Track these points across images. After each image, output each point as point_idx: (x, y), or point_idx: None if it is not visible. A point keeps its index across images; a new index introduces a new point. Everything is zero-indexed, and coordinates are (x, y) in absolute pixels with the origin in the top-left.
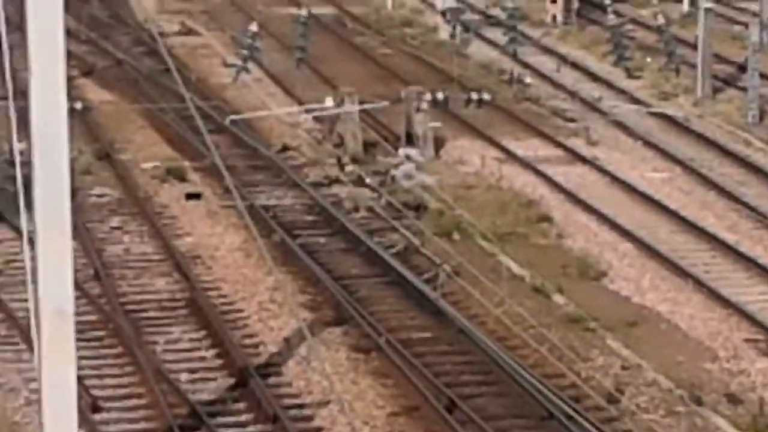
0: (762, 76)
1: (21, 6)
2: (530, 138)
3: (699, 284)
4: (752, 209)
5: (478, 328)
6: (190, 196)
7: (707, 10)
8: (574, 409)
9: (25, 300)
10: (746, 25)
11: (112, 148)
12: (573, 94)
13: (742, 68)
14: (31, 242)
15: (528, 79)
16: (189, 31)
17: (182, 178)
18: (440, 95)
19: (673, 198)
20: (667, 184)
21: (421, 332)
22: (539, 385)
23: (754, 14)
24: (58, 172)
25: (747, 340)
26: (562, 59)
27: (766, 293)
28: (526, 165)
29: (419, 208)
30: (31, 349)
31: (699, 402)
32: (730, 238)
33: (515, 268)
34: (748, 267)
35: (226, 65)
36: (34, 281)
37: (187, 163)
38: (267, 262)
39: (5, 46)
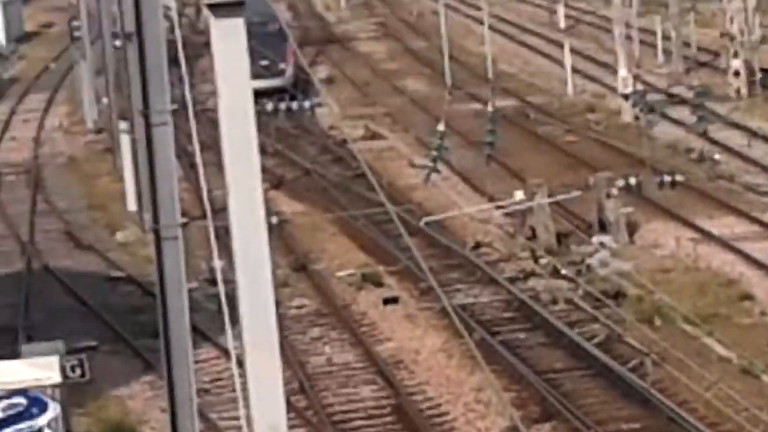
0: None
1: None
2: (724, 216)
3: None
4: None
5: (690, 414)
6: (388, 301)
7: None
8: None
9: (234, 418)
10: None
11: (307, 259)
12: (766, 169)
13: None
14: (239, 361)
15: (718, 156)
16: (373, 135)
17: (378, 283)
18: (632, 180)
19: None
20: None
21: (631, 423)
22: None
23: None
24: (262, 289)
25: None
26: (752, 133)
27: None
28: (723, 243)
29: (618, 295)
30: None
31: None
32: None
33: (721, 350)
34: None
35: (414, 166)
36: (245, 400)
37: (381, 268)
38: (470, 361)
39: (201, 168)
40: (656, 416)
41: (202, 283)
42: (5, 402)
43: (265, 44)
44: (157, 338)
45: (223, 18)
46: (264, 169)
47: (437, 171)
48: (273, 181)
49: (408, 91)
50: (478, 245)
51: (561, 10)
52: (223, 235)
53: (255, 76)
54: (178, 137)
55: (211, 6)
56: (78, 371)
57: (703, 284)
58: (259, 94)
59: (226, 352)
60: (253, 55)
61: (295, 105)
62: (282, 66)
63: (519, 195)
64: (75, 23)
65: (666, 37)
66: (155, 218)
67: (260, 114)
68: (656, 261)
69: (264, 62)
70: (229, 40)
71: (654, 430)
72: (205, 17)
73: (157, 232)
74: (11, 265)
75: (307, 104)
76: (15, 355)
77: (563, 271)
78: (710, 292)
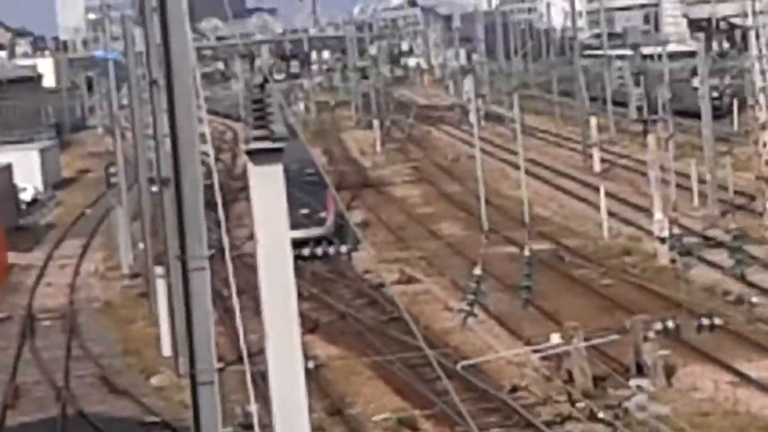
0: None
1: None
2: (763, 359)
3: None
4: None
5: None
6: None
7: None
8: None
9: None
10: None
11: (342, 403)
12: None
13: None
14: None
15: (756, 299)
16: (408, 279)
17: (414, 428)
18: (670, 323)
19: None
20: None
21: None
22: None
23: None
24: None
25: None
26: None
27: None
28: (762, 387)
29: None
30: None
31: None
32: None
33: None
34: None
35: (450, 310)
36: None
37: (417, 412)
38: None
39: (238, 312)
40: None
41: (237, 428)
42: None
43: (304, 192)
44: None
45: (261, 164)
46: (299, 313)
47: (474, 315)
48: (309, 325)
49: (443, 234)
50: (514, 389)
51: (596, 154)
52: (258, 379)
53: (295, 225)
54: (214, 282)
55: (250, 153)
56: None
57: (743, 428)
58: (298, 243)
59: None
60: (293, 203)
61: (331, 250)
62: (322, 215)
63: (555, 338)
64: (112, 169)
65: (701, 181)
66: (191, 363)
67: (296, 258)
68: (694, 405)
69: (304, 211)
70: (267, 186)
71: None
72: (243, 163)
73: (193, 377)
74: (46, 410)
75: (343, 249)
76: None
77: (600, 415)
78: None
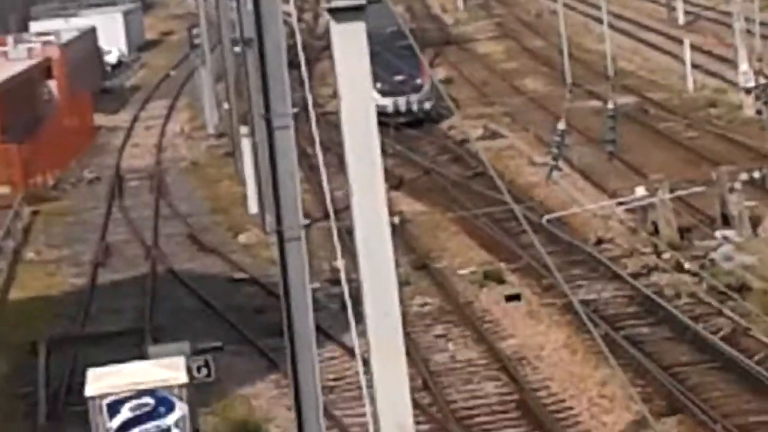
0: None
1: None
2: None
3: None
4: None
5: None
6: (510, 298)
7: None
8: None
9: (360, 415)
10: None
11: (428, 258)
12: None
13: None
14: (363, 360)
15: None
16: (492, 134)
17: (500, 281)
18: (756, 174)
19: None
20: None
21: (759, 416)
22: None
23: None
24: (386, 288)
25: None
26: None
27: None
28: None
29: (742, 288)
30: None
31: None
32: None
33: None
34: None
35: (535, 164)
36: (371, 398)
37: (503, 265)
38: (594, 357)
39: (323, 168)
40: None
41: (324, 283)
42: (134, 402)
43: (398, 59)
44: (281, 338)
45: (344, 22)
46: (384, 170)
47: (558, 169)
48: (393, 182)
49: (526, 90)
50: (600, 241)
51: (680, 6)
52: (345, 235)
53: (392, 92)
54: (298, 140)
55: (331, 11)
56: (204, 371)
57: None
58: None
59: (350, 351)
60: (388, 69)
61: (415, 106)
62: (418, 81)
63: (641, 191)
64: (195, 31)
65: None
66: (278, 220)
67: (380, 114)
68: None
69: (399, 77)
70: (349, 44)
71: None
72: (325, 21)
73: (280, 234)
74: (136, 268)
75: (427, 105)
76: (142, 356)
77: (687, 266)
78: None
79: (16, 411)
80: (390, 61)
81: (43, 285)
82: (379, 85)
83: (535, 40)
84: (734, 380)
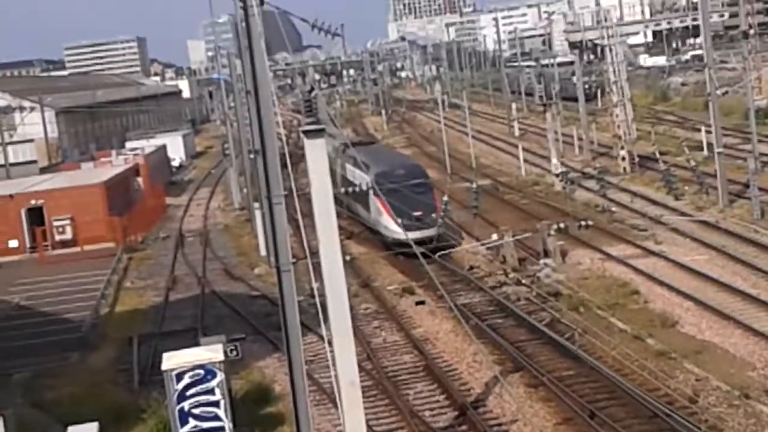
0: (760, 189)
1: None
2: (619, 244)
3: (737, 323)
4: (764, 272)
5: (602, 364)
6: (419, 303)
7: (719, 153)
8: (670, 409)
9: (327, 377)
10: (745, 159)
11: (369, 280)
12: (643, 215)
13: (746, 185)
14: (329, 342)
15: (613, 209)
16: None
17: (412, 293)
18: (562, 225)
19: (713, 271)
20: (709, 263)
21: (568, 371)
22: (646, 396)
23: (749, 152)
24: (341, 300)
25: None
26: (633, 194)
27: None
28: (619, 260)
29: (556, 294)
30: (335, 406)
31: (748, 397)
32: (753, 291)
33: (621, 325)
34: None
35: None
36: (334, 365)
37: (414, 284)
38: (468, 338)
39: (303, 228)
40: (583, 366)
41: (306, 297)
42: (191, 373)
43: (416, 194)
44: (281, 331)
45: (312, 138)
46: (340, 227)
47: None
48: (346, 234)
49: None
50: (471, 268)
51: (516, 125)
52: (317, 268)
53: (411, 227)
54: (288, 211)
55: (305, 132)
56: (234, 353)
57: (608, 286)
58: (416, 242)
59: (321, 338)
60: (410, 206)
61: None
62: (434, 216)
63: (495, 236)
64: (225, 145)
65: (579, 139)
66: (276, 259)
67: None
68: (579, 273)
69: (417, 213)
70: (316, 151)
71: (582, 375)
72: (302, 138)
73: (278, 268)
74: (192, 290)
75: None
76: (196, 344)
77: (523, 281)
78: (613, 291)
79: (120, 380)
80: (409, 198)
81: (135, 302)
82: (401, 220)
83: (430, 147)
84: (552, 350)
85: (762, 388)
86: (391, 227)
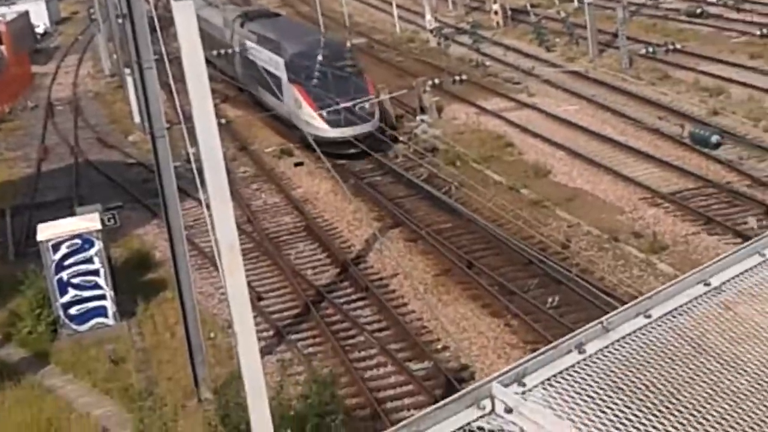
0: (628, 38)
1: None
2: (494, 97)
3: (607, 169)
4: (632, 119)
5: (479, 215)
6: (297, 164)
7: (589, 4)
8: (544, 255)
9: (207, 242)
10: (614, 9)
11: (246, 143)
12: (516, 67)
13: (615, 35)
14: (207, 206)
15: (487, 63)
16: None
17: (290, 154)
18: (437, 80)
19: (584, 120)
20: (579, 113)
21: (446, 224)
22: (521, 245)
23: (618, 1)
24: (217, 163)
25: (641, 199)
26: (506, 47)
27: (648, 169)
28: (494, 114)
29: (433, 150)
30: (216, 269)
31: (617, 240)
32: (621, 138)
33: (496, 177)
34: (635, 154)
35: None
36: (213, 229)
37: (292, 145)
38: (347, 197)
39: (176, 93)
40: (460, 219)
41: (183, 162)
42: (68, 243)
43: (346, 82)
44: (159, 197)
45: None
46: (214, 91)
47: None
48: (222, 97)
49: None
50: None
51: None
52: (193, 132)
53: (348, 123)
54: (160, 76)
55: None
56: (112, 221)
57: (483, 139)
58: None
59: (200, 202)
60: (342, 97)
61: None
62: (368, 107)
63: None
64: (92, 10)
65: None
66: (150, 126)
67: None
68: (455, 128)
69: (348, 104)
70: (185, 14)
71: (459, 227)
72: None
73: (152, 135)
74: (65, 160)
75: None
76: (72, 213)
77: (401, 138)
78: (488, 144)
79: None
80: (339, 87)
81: (6, 174)
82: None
83: (304, 7)
84: (430, 204)
85: (630, 231)
86: (316, 123)
